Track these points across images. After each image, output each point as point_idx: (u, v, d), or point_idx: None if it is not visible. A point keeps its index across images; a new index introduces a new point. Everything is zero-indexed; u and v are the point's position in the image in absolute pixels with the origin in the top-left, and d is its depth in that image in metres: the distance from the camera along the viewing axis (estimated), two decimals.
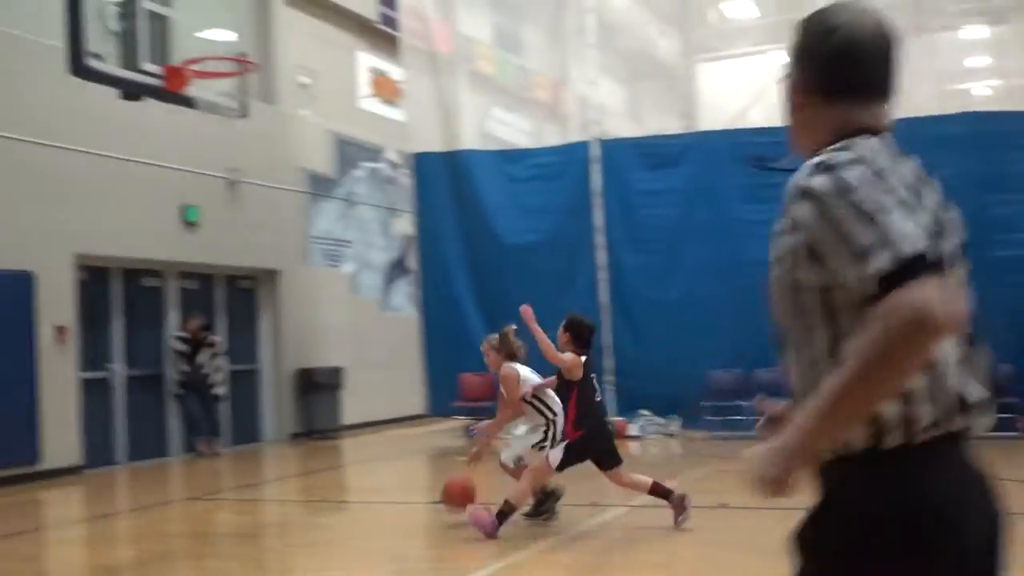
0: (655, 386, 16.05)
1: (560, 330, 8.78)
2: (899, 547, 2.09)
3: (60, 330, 13.48)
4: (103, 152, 14.14)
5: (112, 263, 14.86)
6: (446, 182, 17.95)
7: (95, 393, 14.30)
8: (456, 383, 17.31)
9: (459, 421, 17.61)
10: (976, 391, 2.19)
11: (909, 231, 2.03)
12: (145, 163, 14.77)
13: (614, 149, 17.30)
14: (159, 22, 9.34)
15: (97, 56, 8.86)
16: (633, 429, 16.06)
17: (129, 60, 9.08)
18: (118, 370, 14.85)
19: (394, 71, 20.94)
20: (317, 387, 17.80)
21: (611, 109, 23.07)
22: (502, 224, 17.64)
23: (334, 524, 10.14)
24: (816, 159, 2.21)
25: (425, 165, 18.15)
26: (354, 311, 19.78)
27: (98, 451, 14.20)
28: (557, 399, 8.97)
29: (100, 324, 14.74)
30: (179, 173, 15.41)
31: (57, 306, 13.45)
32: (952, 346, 2.14)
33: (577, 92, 21.20)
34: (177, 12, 9.52)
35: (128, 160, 14.51)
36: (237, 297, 17.52)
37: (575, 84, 20.86)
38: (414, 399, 18.56)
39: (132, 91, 9.44)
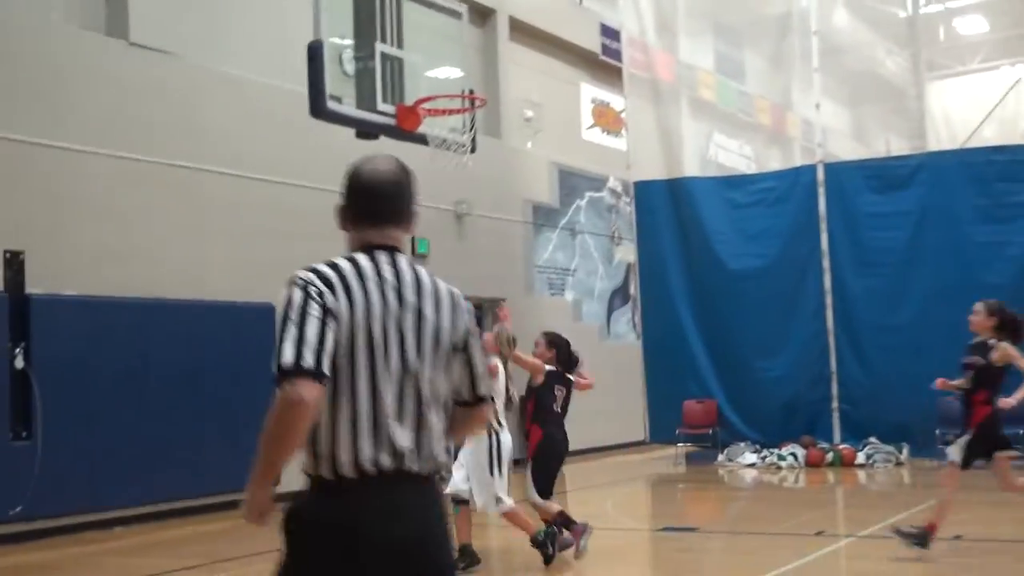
0: (883, 413, 15.59)
1: (544, 346, 9.48)
2: (317, 546, 2.90)
3: None
4: (338, 190, 14.81)
5: None
6: (668, 209, 17.99)
7: None
8: (677, 410, 17.26)
9: (680, 448, 17.55)
10: (404, 440, 2.93)
11: (288, 349, 2.90)
12: None
13: (839, 172, 16.97)
14: (391, 63, 9.75)
15: (336, 98, 9.35)
16: (860, 457, 15.66)
17: (364, 101, 9.53)
18: None
19: (615, 101, 21.17)
20: None
21: (835, 131, 22.62)
22: (725, 250, 17.54)
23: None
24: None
25: (647, 193, 18.24)
26: (576, 338, 19.91)
27: None
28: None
29: None
30: None
31: None
32: (382, 409, 2.91)
33: (800, 115, 20.93)
34: (408, 53, 9.91)
35: None
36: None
37: (798, 107, 20.59)
38: (635, 426, 18.60)
39: (368, 130, 9.91)
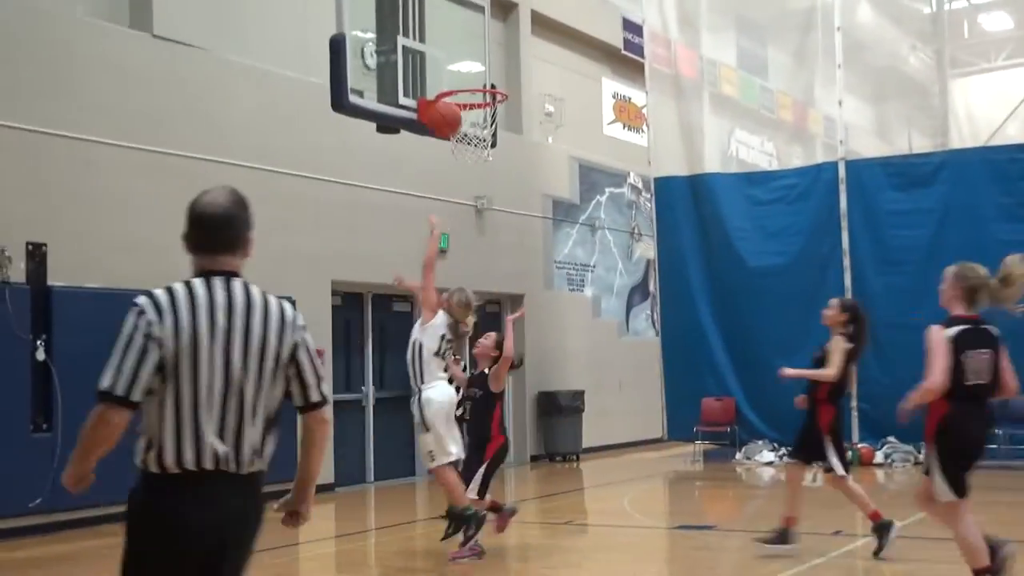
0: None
1: (491, 347, 9.45)
2: (140, 530, 3.45)
3: (316, 353, 14.17)
4: (359, 183, 14.87)
5: (364, 288, 15.55)
6: (688, 205, 17.94)
7: (348, 414, 14.97)
8: (696, 407, 17.22)
9: (698, 446, 17.52)
10: (222, 446, 3.45)
11: (107, 375, 3.39)
12: (397, 192, 15.44)
13: (861, 169, 16.88)
14: (413, 57, 9.73)
15: (357, 92, 9.33)
16: (878, 456, 15.60)
17: (386, 95, 9.51)
18: (369, 392, 15.50)
19: (637, 96, 21.11)
20: (559, 410, 18.04)
21: (857, 128, 22.50)
22: (745, 247, 17.47)
23: (577, 547, 10.26)
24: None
25: (667, 189, 18.19)
26: (595, 335, 19.97)
27: (349, 471, 14.85)
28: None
29: (353, 347, 15.43)
30: (429, 202, 16.01)
31: (314, 330, 14.12)
32: (204, 420, 3.42)
33: (822, 112, 20.82)
34: (430, 47, 9.90)
35: (382, 190, 15.20)
36: (483, 321, 17.96)
37: (820, 104, 20.48)
38: (653, 423, 18.57)
39: (389, 125, 9.90)
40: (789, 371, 9.10)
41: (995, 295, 6.84)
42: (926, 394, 6.42)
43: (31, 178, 11.27)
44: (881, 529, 8.52)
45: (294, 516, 3.89)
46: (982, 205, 15.65)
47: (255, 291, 3.60)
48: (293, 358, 3.64)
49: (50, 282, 11.04)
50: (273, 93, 13.88)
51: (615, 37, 20.85)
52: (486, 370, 9.39)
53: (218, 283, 3.53)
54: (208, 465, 3.43)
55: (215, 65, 13.26)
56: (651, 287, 20.79)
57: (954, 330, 6.55)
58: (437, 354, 9.03)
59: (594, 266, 20.29)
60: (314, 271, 14.23)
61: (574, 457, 18.15)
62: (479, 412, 9.27)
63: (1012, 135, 19.02)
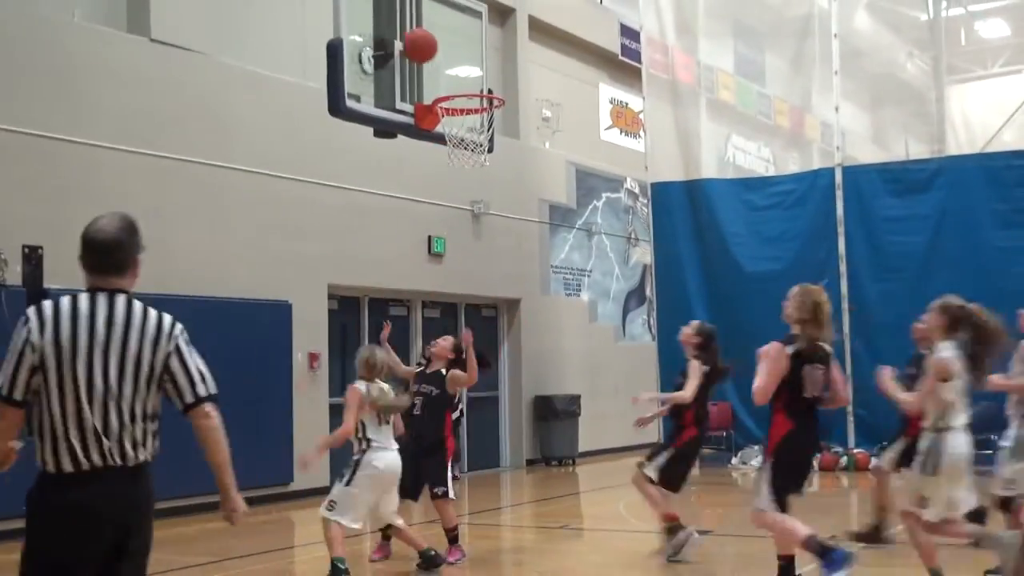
0: (898, 418, 15.50)
1: (449, 349, 9.50)
2: (34, 524, 3.84)
3: (312, 357, 14.20)
4: (356, 187, 14.88)
5: (361, 292, 15.55)
6: (685, 211, 17.96)
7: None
8: None
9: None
10: (105, 444, 3.82)
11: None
12: (394, 197, 15.45)
13: (858, 175, 16.92)
14: (410, 62, 9.74)
15: (354, 97, 9.33)
16: (874, 462, 15.57)
17: (383, 100, 9.51)
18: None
19: (634, 102, 21.13)
20: (555, 414, 18.05)
21: (854, 134, 22.55)
22: (741, 252, 17.49)
23: (573, 551, 10.27)
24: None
25: (664, 194, 18.21)
26: (591, 339, 19.98)
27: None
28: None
29: (350, 351, 15.42)
30: (426, 206, 16.05)
31: (310, 334, 14.17)
32: (85, 419, 3.81)
33: (819, 118, 20.85)
34: None
35: (379, 194, 15.22)
36: (479, 325, 17.99)
37: (817, 110, 20.52)
38: (649, 427, 18.54)
39: (386, 129, 9.90)
40: (645, 394, 9.76)
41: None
42: (755, 397, 6.99)
43: (27, 180, 11.27)
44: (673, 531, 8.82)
45: (227, 512, 4.11)
46: (978, 211, 15.69)
47: (137, 306, 3.98)
48: (167, 366, 3.96)
49: (46, 284, 11.03)
50: (270, 97, 13.89)
51: (612, 43, 20.88)
52: (442, 370, 9.43)
53: (102, 299, 3.94)
54: (97, 462, 3.82)
55: (213, 69, 13.27)
56: (647, 292, 20.81)
57: (792, 347, 7.00)
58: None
59: (591, 271, 20.30)
60: (311, 274, 14.24)
61: (570, 461, 18.16)
62: (433, 411, 9.25)
63: (1008, 142, 19.04)
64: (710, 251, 17.74)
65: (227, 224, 13.27)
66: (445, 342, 9.65)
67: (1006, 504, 8.02)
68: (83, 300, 3.94)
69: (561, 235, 19.52)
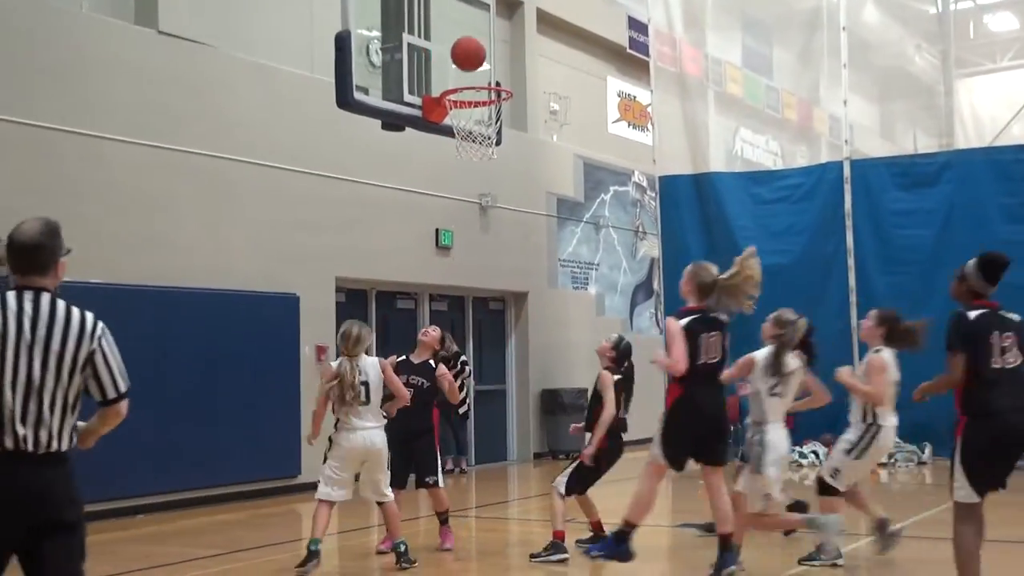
0: (905, 412, 15.48)
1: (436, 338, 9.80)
2: None
3: (319, 349, 14.21)
4: (363, 180, 14.88)
5: (368, 285, 15.56)
6: (692, 204, 17.92)
7: None
8: None
9: None
10: (23, 431, 4.00)
11: None
12: (402, 190, 15.45)
13: (866, 169, 16.87)
14: (418, 54, 9.73)
15: (362, 89, 9.33)
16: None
17: (391, 92, 9.51)
18: None
19: (642, 95, 21.10)
20: (562, 407, 18.03)
21: (862, 128, 22.48)
22: (749, 246, 17.43)
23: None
24: None
25: (671, 188, 18.17)
26: (599, 333, 19.91)
27: None
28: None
29: None
30: (434, 199, 16.05)
31: (318, 326, 14.18)
32: (8, 409, 3.98)
33: (827, 111, 20.81)
34: (436, 44, 9.90)
35: (386, 187, 15.21)
36: (486, 318, 18.00)
37: (825, 103, 20.48)
38: (655, 421, 18.52)
39: (393, 122, 9.89)
40: (576, 426, 10.11)
41: (725, 292, 8.38)
42: (670, 370, 7.84)
43: (35, 173, 11.28)
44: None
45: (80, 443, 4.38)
46: (986, 205, 15.65)
47: (60, 305, 4.19)
48: (89, 363, 4.17)
49: None
50: (278, 90, 13.89)
51: (620, 35, 20.83)
52: (431, 361, 9.60)
53: (28, 297, 4.15)
54: (11, 447, 4.01)
55: (220, 62, 13.27)
56: (655, 285, 20.78)
57: (685, 320, 7.91)
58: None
59: (598, 264, 20.29)
60: (318, 267, 14.24)
61: (577, 455, 18.10)
62: (422, 402, 9.33)
63: (1017, 135, 19.00)
64: (717, 245, 17.67)
65: (234, 216, 13.27)
66: (435, 332, 9.85)
67: (826, 489, 8.53)
68: (11, 298, 4.15)
69: (569, 228, 19.50)
